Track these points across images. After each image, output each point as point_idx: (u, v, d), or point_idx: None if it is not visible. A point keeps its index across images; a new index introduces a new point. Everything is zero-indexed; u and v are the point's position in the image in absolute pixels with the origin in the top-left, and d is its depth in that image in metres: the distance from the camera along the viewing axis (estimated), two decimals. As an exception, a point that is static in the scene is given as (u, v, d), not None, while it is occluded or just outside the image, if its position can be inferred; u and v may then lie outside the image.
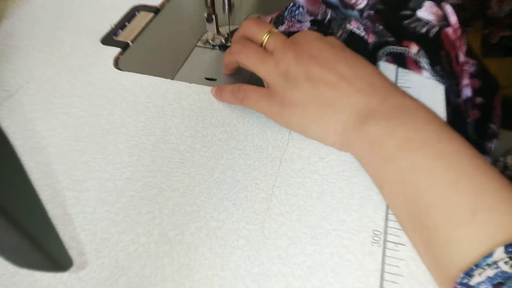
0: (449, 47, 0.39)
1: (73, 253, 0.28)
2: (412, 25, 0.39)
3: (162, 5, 0.53)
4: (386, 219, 0.29)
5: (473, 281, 0.22)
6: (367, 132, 0.29)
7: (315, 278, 0.26)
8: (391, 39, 0.39)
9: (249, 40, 0.36)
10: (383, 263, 0.27)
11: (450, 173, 0.25)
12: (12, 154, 0.15)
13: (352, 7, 0.40)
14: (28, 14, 0.49)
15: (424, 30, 0.39)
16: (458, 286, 0.22)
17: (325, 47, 0.33)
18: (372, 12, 0.39)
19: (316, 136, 0.33)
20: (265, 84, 0.36)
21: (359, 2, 0.40)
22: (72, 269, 0.26)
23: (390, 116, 0.29)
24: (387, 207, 0.29)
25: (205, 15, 0.43)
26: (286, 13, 0.44)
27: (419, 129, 0.28)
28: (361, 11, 0.40)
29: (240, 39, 0.37)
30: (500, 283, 0.20)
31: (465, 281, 0.22)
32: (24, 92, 0.39)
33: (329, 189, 0.31)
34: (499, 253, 0.21)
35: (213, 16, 0.43)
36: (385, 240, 0.28)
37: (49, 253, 0.17)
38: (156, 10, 0.51)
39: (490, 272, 0.21)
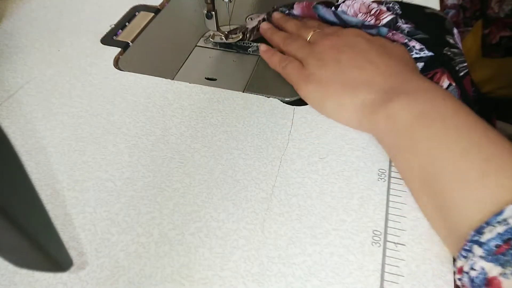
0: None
1: (73, 253, 0.28)
2: (450, 54, 0.37)
3: (162, 5, 0.53)
4: (386, 219, 0.29)
5: (484, 238, 0.22)
6: (386, 107, 0.30)
7: (315, 278, 0.26)
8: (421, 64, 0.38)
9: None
10: (383, 263, 0.27)
11: (462, 143, 0.26)
12: (12, 154, 0.15)
13: (373, 26, 0.39)
14: (28, 14, 0.49)
15: (458, 67, 0.37)
16: (469, 244, 0.23)
17: (364, 41, 0.36)
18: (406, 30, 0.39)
19: (331, 112, 0.35)
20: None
21: (383, 18, 0.40)
22: (72, 269, 0.26)
23: (408, 93, 0.30)
24: (387, 207, 0.29)
25: (205, 11, 0.43)
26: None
27: (436, 104, 0.29)
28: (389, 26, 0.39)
29: (291, 34, 0.42)
30: (510, 239, 0.21)
31: (475, 238, 0.23)
32: (24, 92, 0.39)
33: (329, 189, 0.31)
34: (509, 211, 0.22)
35: (213, 13, 0.43)
36: (385, 240, 0.28)
37: (49, 253, 0.17)
38: (156, 10, 0.51)
39: (500, 229, 0.22)
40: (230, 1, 0.45)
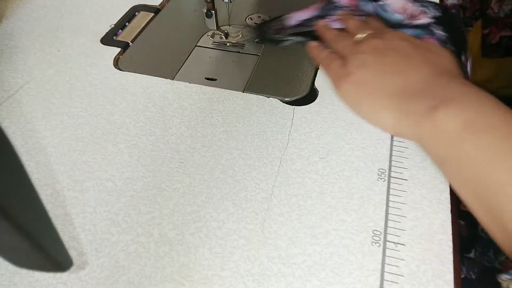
0: None
1: (73, 253, 0.28)
2: None
3: (162, 5, 0.53)
4: (386, 219, 0.29)
5: None
6: (431, 116, 0.29)
7: (315, 278, 0.26)
8: None
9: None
10: (383, 263, 0.27)
11: None
12: (12, 154, 0.15)
13: (410, 26, 0.39)
14: (28, 14, 0.50)
15: None
16: None
17: (408, 45, 0.35)
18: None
19: (367, 115, 0.34)
20: None
21: (418, 19, 0.40)
22: (72, 269, 0.26)
23: (453, 100, 0.29)
24: (387, 207, 0.29)
25: (205, 10, 0.43)
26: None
27: (482, 111, 0.28)
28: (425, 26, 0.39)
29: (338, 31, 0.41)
30: None
31: None
32: (24, 92, 0.39)
33: (329, 189, 0.31)
34: None
35: (213, 12, 0.43)
36: (385, 240, 0.28)
37: (49, 253, 0.17)
38: (156, 10, 0.51)
39: None
40: (230, 1, 0.45)
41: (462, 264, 0.47)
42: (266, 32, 0.44)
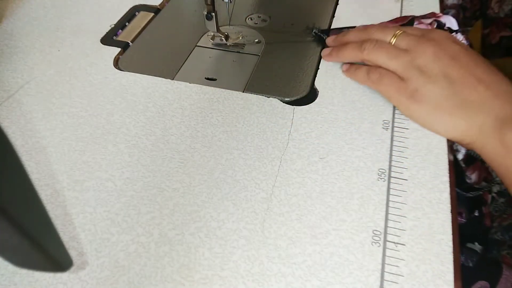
0: None
1: (73, 253, 0.28)
2: None
3: (162, 5, 0.53)
4: (386, 219, 0.29)
5: None
6: (503, 137, 0.30)
7: (315, 278, 0.26)
8: None
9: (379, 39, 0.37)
10: (383, 263, 0.27)
11: None
12: (12, 154, 0.15)
13: None
14: (28, 14, 0.49)
15: None
16: None
17: (462, 50, 0.34)
18: None
19: (442, 131, 0.34)
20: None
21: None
22: (72, 269, 0.26)
23: None
24: (387, 207, 0.29)
25: (205, 12, 0.43)
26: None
27: None
28: None
29: (368, 39, 0.38)
30: None
31: None
32: (24, 92, 0.39)
33: (329, 189, 0.31)
34: None
35: (213, 14, 0.43)
36: (385, 240, 0.28)
37: (49, 253, 0.17)
38: (156, 10, 0.51)
39: None
40: (230, 1, 0.45)
41: (461, 253, 0.47)
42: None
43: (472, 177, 0.52)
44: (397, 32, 0.36)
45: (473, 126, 0.32)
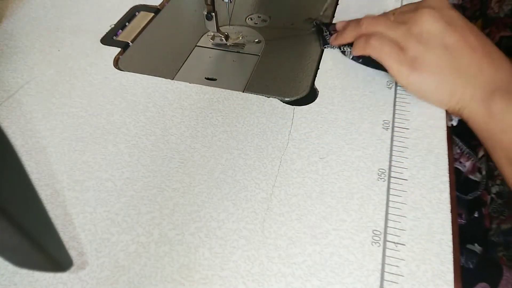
0: None
1: (73, 253, 0.28)
2: None
3: (162, 5, 0.53)
4: (386, 219, 0.29)
5: None
6: (490, 105, 0.31)
7: (315, 278, 0.26)
8: None
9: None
10: (383, 263, 0.27)
11: None
12: (12, 154, 0.15)
13: None
14: (28, 14, 0.49)
15: None
16: None
17: (457, 15, 0.35)
18: None
19: (433, 99, 0.35)
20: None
21: None
22: (72, 269, 0.26)
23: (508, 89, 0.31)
24: (387, 207, 0.29)
25: (205, 12, 0.43)
26: None
27: None
28: None
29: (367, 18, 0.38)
30: None
31: None
32: (24, 92, 0.39)
33: (329, 189, 0.31)
34: None
35: (213, 14, 0.43)
36: (385, 240, 0.28)
37: (49, 253, 0.17)
38: (156, 10, 0.51)
39: None
40: (230, 1, 0.45)
41: (461, 254, 0.47)
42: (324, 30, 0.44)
43: (467, 164, 0.52)
44: (395, 11, 0.38)
45: (466, 93, 0.33)
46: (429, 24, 0.34)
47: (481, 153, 0.50)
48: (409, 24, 0.35)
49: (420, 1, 0.37)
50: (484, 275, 0.47)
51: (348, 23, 0.41)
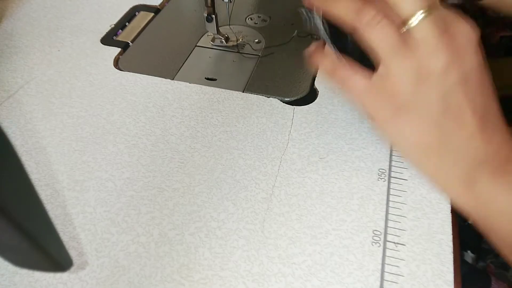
0: None
1: (73, 253, 0.28)
2: None
3: (162, 5, 0.53)
4: (386, 219, 0.29)
5: None
6: (478, 186, 0.25)
7: (315, 278, 0.26)
8: None
9: (385, 13, 0.24)
10: (383, 263, 0.27)
11: None
12: (12, 154, 0.15)
13: None
14: (28, 14, 0.49)
15: None
16: None
17: (479, 64, 0.25)
18: None
19: (430, 175, 0.26)
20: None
21: None
22: (72, 269, 0.26)
23: (504, 171, 0.25)
24: (387, 207, 0.29)
25: (205, 14, 0.43)
26: None
27: None
28: None
29: (370, 6, 0.24)
30: None
31: None
32: (24, 92, 0.39)
33: (329, 189, 0.31)
34: None
35: (213, 16, 0.43)
36: (385, 240, 0.28)
37: (49, 253, 0.17)
38: (156, 10, 0.51)
39: None
40: (230, 1, 0.45)
41: None
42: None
43: None
44: (421, 13, 0.23)
45: (454, 170, 0.25)
46: (440, 71, 0.24)
47: None
48: (420, 57, 0.24)
49: (454, 18, 0.24)
50: (473, 284, 0.46)
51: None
